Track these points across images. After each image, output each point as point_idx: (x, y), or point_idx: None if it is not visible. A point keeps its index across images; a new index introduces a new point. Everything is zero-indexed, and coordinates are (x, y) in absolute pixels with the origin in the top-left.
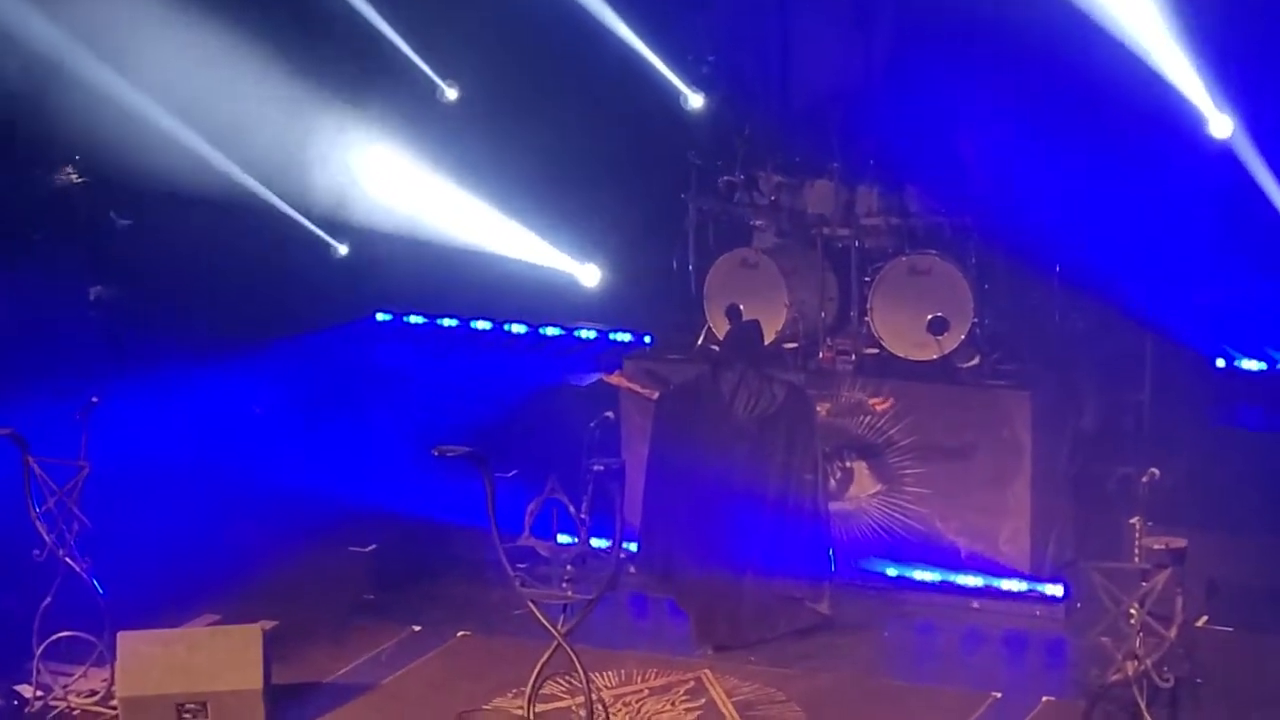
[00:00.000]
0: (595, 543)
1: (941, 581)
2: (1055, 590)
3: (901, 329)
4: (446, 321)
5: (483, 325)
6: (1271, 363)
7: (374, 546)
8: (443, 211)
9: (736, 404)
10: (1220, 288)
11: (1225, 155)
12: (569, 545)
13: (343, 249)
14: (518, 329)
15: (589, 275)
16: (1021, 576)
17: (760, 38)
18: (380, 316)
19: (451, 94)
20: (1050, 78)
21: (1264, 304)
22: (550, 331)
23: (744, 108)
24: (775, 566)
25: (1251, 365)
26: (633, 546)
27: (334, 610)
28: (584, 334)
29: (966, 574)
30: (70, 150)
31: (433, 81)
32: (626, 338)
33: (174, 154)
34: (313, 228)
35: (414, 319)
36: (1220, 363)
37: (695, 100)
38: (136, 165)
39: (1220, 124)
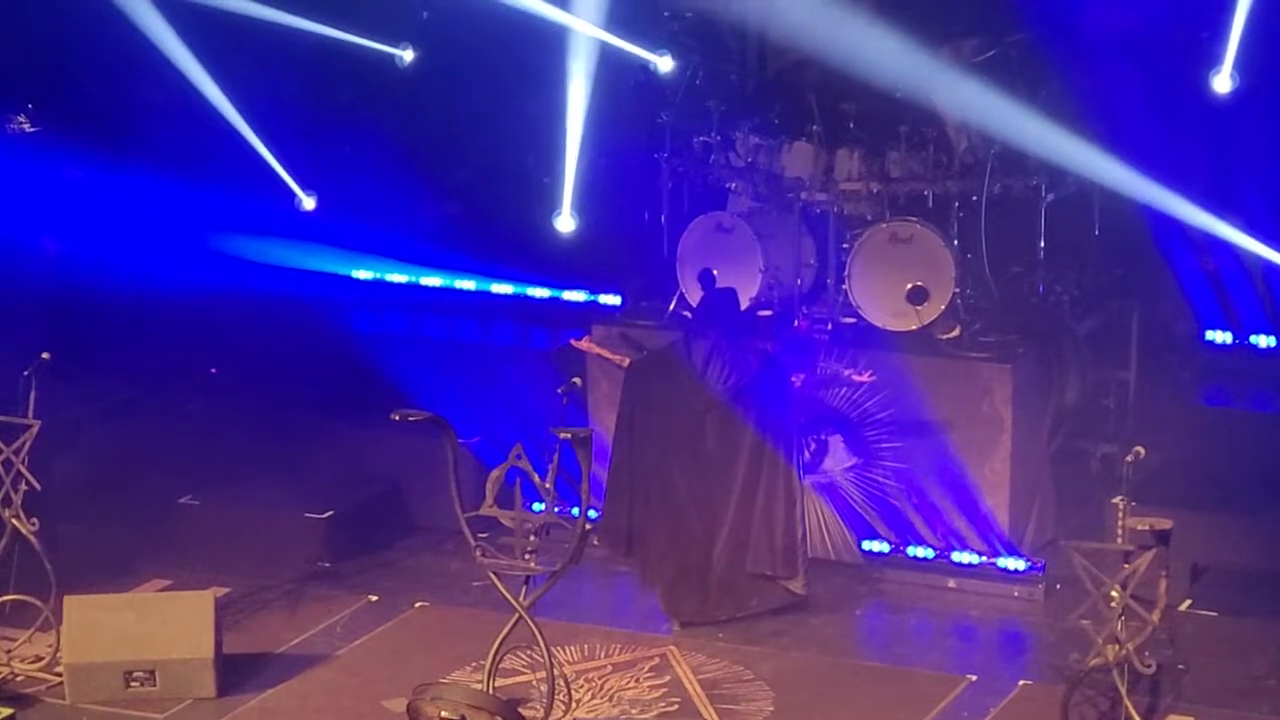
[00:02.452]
0: (560, 513)
1: (917, 558)
2: (1034, 570)
3: (880, 298)
4: (428, 280)
5: (467, 285)
6: (1242, 338)
7: (330, 513)
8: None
9: (709, 374)
10: (1210, 260)
11: (1221, 116)
12: (532, 515)
13: (310, 202)
14: (493, 288)
15: (566, 223)
16: (1000, 555)
17: None
18: (359, 274)
19: (408, 56)
20: (1039, 33)
21: (1252, 278)
22: (531, 292)
23: (720, 66)
24: (747, 543)
25: (1258, 340)
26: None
27: (288, 578)
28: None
29: (943, 552)
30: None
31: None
32: (617, 300)
33: None
34: (286, 177)
35: (395, 277)
36: (1223, 336)
37: (664, 65)
38: None
39: (1224, 80)
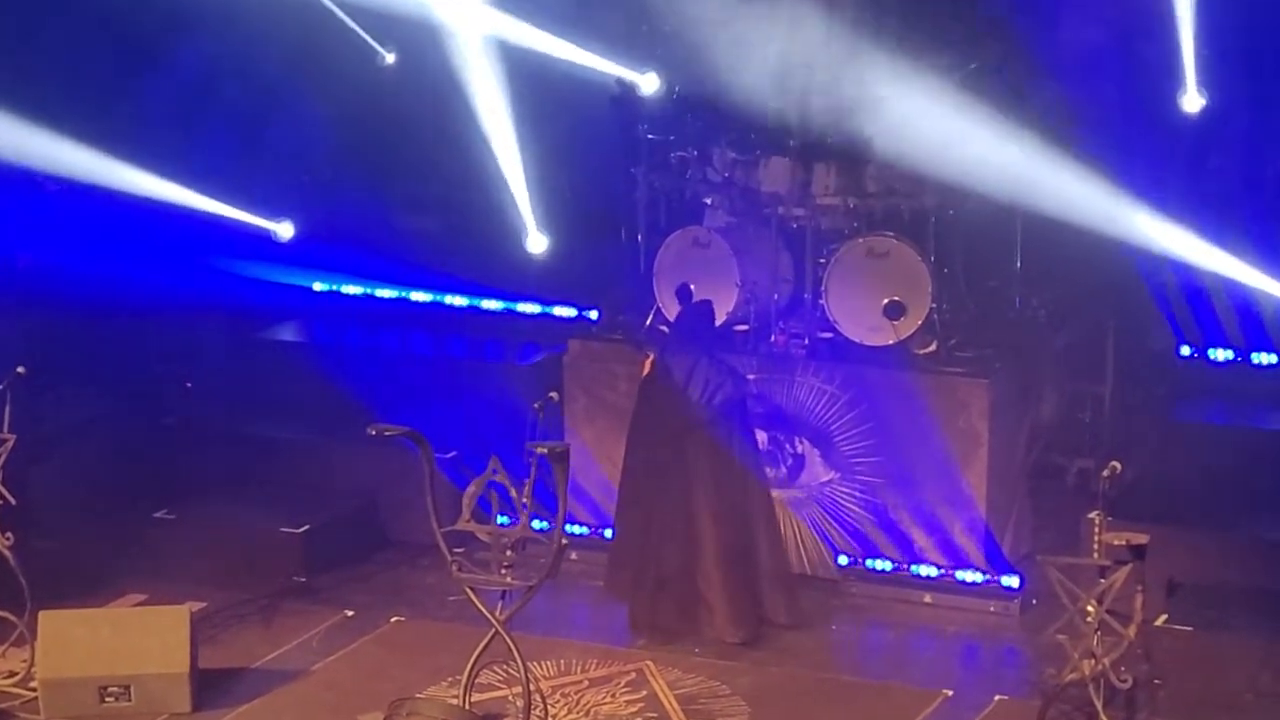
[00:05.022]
0: (536, 527)
1: (894, 573)
2: (1011, 584)
3: (857, 313)
4: (383, 292)
5: (429, 298)
6: (1239, 353)
7: (306, 528)
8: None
9: (690, 392)
10: (1184, 275)
11: (1194, 133)
12: (509, 530)
13: (286, 230)
14: (458, 301)
15: (536, 243)
16: (977, 570)
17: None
18: (317, 286)
19: (390, 58)
20: (1014, 50)
21: (1229, 293)
22: (492, 305)
23: (698, 80)
24: (749, 571)
25: (1216, 355)
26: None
27: (264, 593)
28: (527, 308)
29: (920, 566)
30: None
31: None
32: (592, 315)
33: None
34: (255, 220)
35: (350, 289)
36: (1185, 350)
37: (649, 84)
38: None
39: (1192, 99)
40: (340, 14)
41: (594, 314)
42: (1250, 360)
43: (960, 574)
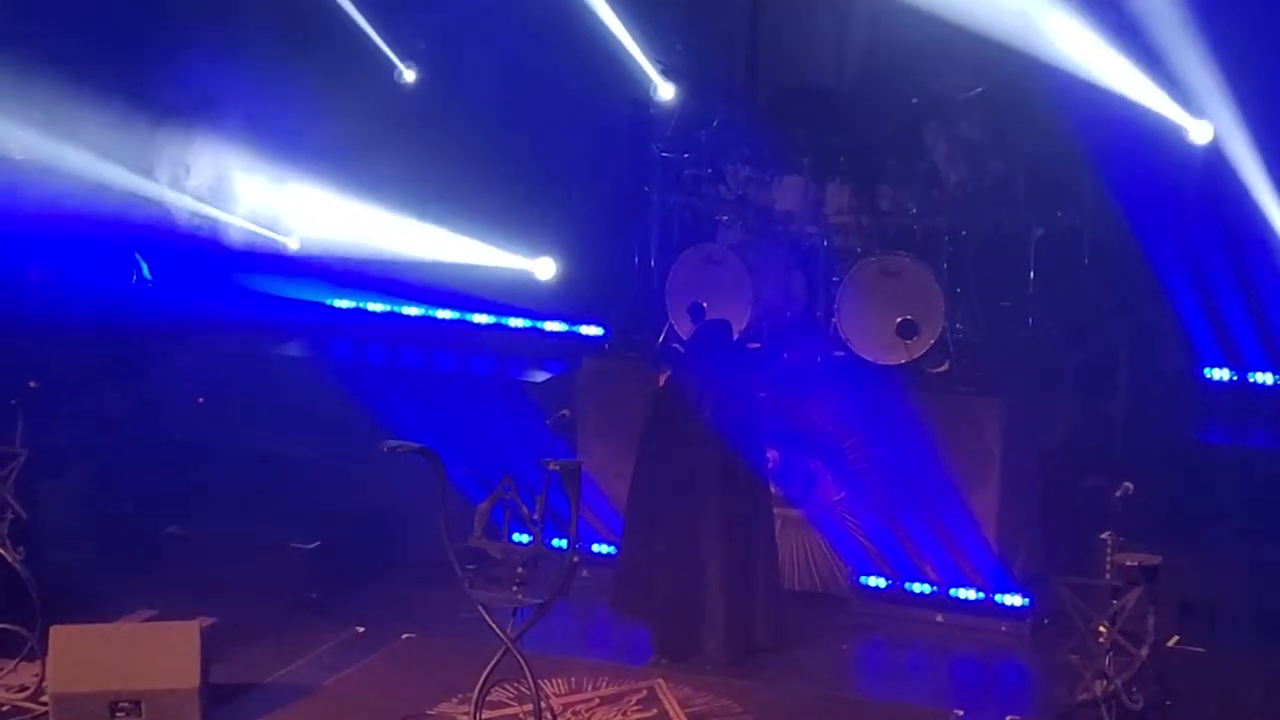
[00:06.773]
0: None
1: (905, 591)
2: (1022, 605)
3: (869, 332)
4: (408, 309)
5: (446, 315)
6: (1242, 375)
7: (318, 543)
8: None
9: (704, 408)
10: (1198, 297)
11: (1205, 161)
12: (521, 547)
13: (293, 243)
14: (482, 319)
15: (544, 269)
16: (988, 590)
17: (730, 26)
18: (338, 303)
19: (410, 76)
20: (1026, 82)
21: (1241, 315)
22: (514, 323)
23: (711, 98)
24: (748, 595)
25: (1227, 376)
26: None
27: (275, 608)
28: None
29: (930, 585)
30: None
31: (391, 62)
32: (599, 331)
33: None
34: (260, 230)
35: (374, 306)
36: (1223, 375)
37: (666, 90)
38: None
39: (1200, 130)
40: (366, 28)
41: (595, 330)
42: (1261, 381)
43: (971, 593)
